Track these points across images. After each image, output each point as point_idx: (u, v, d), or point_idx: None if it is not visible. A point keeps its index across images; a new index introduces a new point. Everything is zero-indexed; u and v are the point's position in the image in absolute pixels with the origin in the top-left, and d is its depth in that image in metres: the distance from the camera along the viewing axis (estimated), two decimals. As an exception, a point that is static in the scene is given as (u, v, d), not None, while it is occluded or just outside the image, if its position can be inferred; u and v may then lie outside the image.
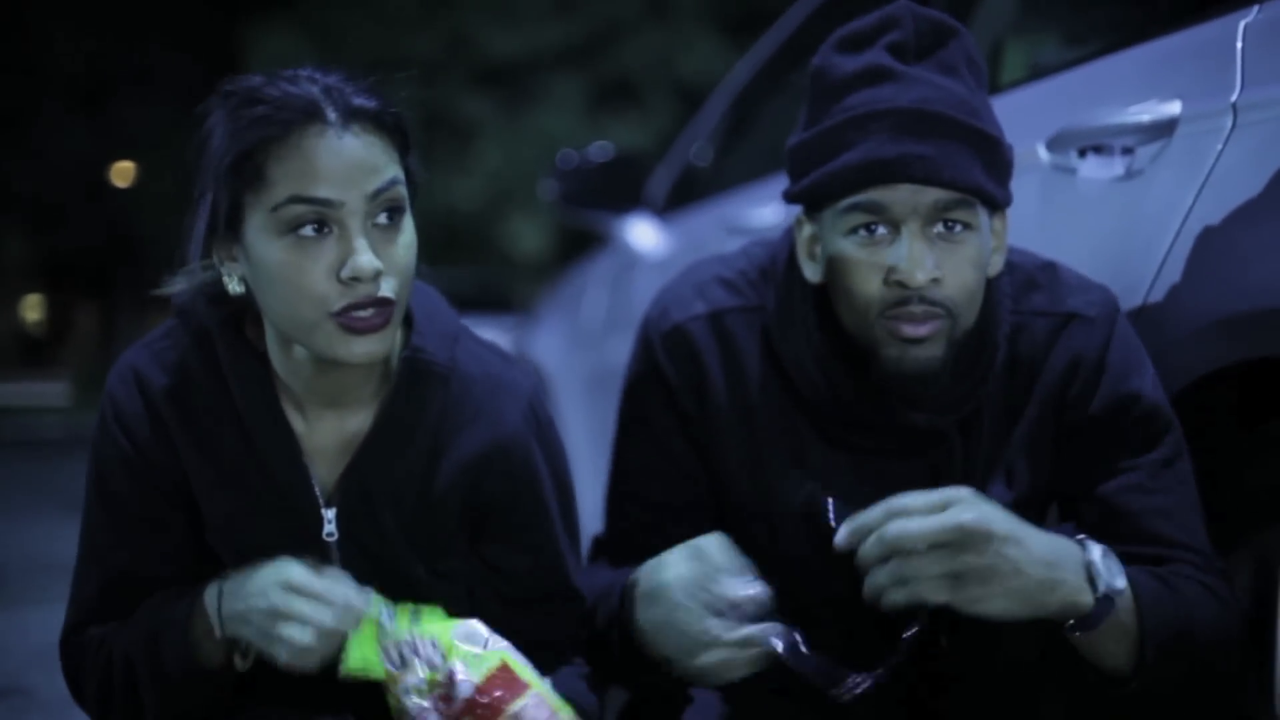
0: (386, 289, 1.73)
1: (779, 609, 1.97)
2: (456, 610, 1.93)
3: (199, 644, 1.78)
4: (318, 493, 1.88)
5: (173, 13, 25.25)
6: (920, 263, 1.80)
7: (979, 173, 1.81)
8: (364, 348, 1.74)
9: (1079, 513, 1.92)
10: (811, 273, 1.95)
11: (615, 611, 1.93)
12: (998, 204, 1.87)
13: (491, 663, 1.74)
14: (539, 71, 20.23)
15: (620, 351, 2.24)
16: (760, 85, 4.10)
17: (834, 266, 1.87)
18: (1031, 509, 1.92)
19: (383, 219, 1.74)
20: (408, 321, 1.92)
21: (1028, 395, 1.96)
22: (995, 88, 2.70)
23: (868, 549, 1.67)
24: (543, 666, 1.95)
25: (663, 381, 2.05)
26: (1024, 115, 2.34)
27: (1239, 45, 1.93)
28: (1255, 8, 1.94)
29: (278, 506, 1.87)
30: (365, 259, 1.70)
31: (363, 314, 1.72)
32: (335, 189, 1.69)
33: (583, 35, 20.19)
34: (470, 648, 1.75)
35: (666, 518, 2.06)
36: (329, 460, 1.89)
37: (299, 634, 1.69)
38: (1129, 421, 1.88)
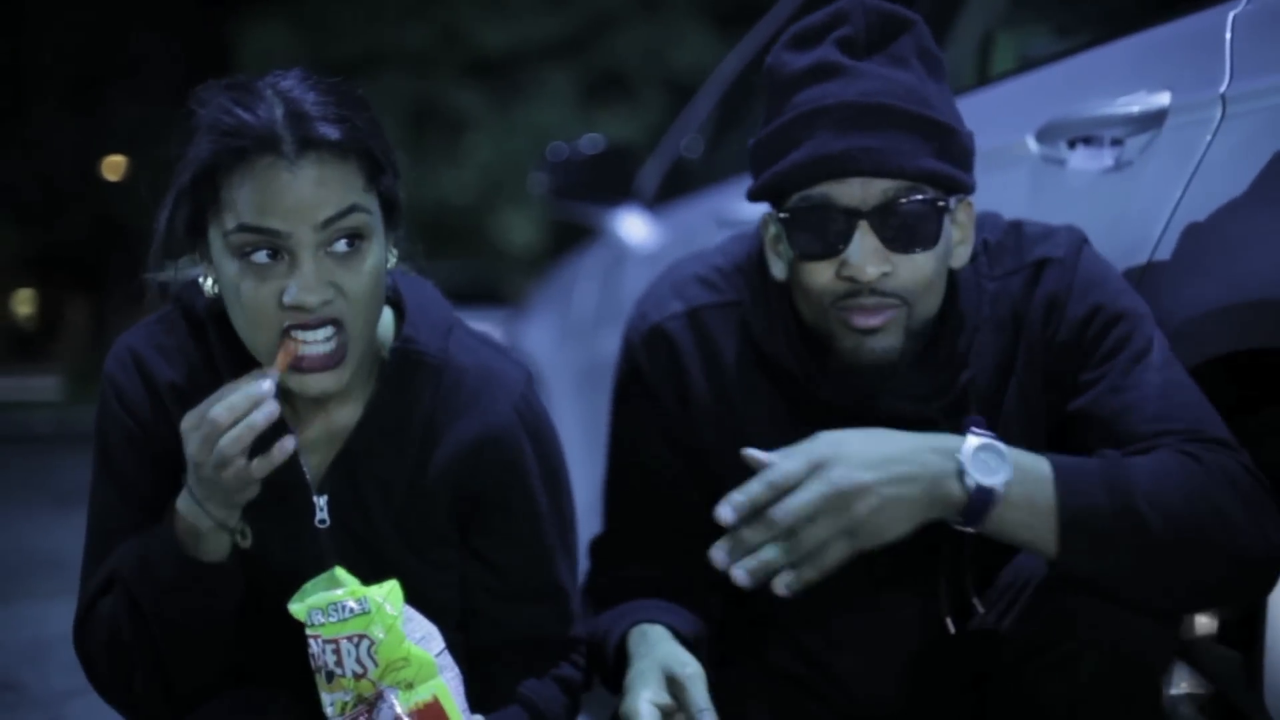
0: (334, 311, 1.74)
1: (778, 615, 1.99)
2: (448, 600, 1.94)
3: (185, 542, 1.78)
4: (309, 480, 1.90)
5: (164, 6, 25.19)
6: (870, 257, 1.81)
7: (929, 159, 1.81)
8: (318, 385, 1.77)
9: (1066, 442, 1.89)
10: (778, 270, 1.95)
11: (609, 663, 1.97)
12: (956, 188, 1.87)
13: (423, 696, 1.72)
14: (530, 64, 20.20)
15: (611, 344, 2.24)
16: (750, 78, 4.09)
17: (793, 261, 1.88)
18: None
19: (340, 246, 1.74)
20: (400, 312, 1.93)
21: (1015, 348, 1.95)
22: (985, 79, 2.70)
23: (753, 535, 1.71)
24: (526, 663, 1.97)
25: (643, 383, 2.07)
26: (1013, 106, 2.34)
27: (1228, 36, 1.93)
28: (1244, -1, 1.94)
29: (270, 493, 1.87)
30: (306, 288, 1.72)
31: (312, 352, 1.74)
32: (283, 220, 1.71)
33: (574, 28, 20.16)
34: (418, 655, 1.73)
35: (657, 519, 2.08)
36: (321, 449, 1.91)
37: (229, 446, 1.69)
38: (1094, 333, 1.88)
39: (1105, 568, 1.72)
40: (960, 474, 1.70)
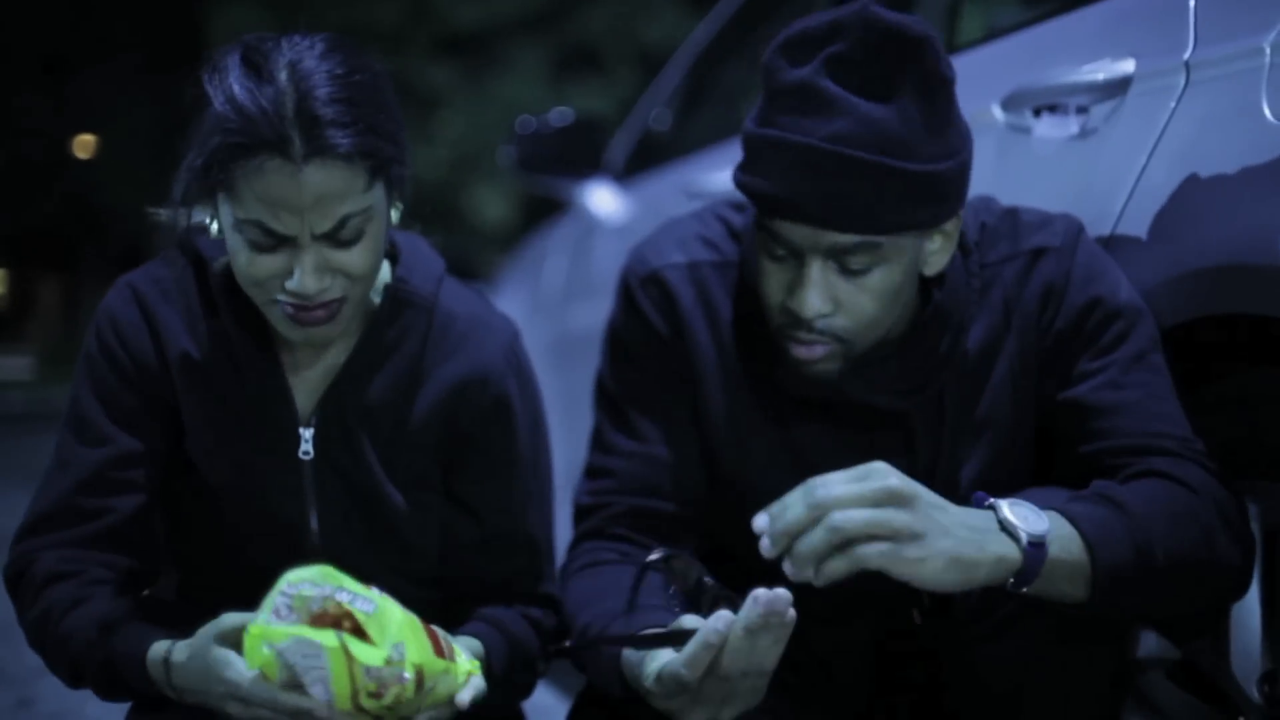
0: (334, 292, 1.78)
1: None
2: (427, 545, 1.99)
3: (158, 679, 1.76)
4: (297, 411, 1.93)
5: (133, -17, 25.06)
6: (810, 298, 1.82)
7: (887, 213, 1.78)
8: (315, 334, 1.82)
9: (1056, 425, 1.91)
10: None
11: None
12: (921, 230, 1.85)
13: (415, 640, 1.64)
14: (501, 39, 20.14)
15: (582, 317, 2.24)
16: (719, 49, 4.09)
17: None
18: (1010, 460, 1.94)
19: (344, 236, 1.77)
20: (393, 258, 1.98)
21: (1005, 333, 1.95)
22: (951, 48, 2.70)
23: (795, 514, 1.54)
24: (495, 611, 2.00)
25: (644, 323, 2.05)
26: (979, 75, 2.34)
27: (1191, 3, 1.94)
28: (1207, -35, 1.94)
29: (257, 423, 1.93)
30: (306, 280, 1.75)
31: (308, 314, 1.79)
32: (288, 224, 1.73)
33: (544, 2, 20.10)
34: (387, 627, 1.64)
35: (651, 468, 2.04)
36: (311, 383, 1.95)
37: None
38: (1094, 325, 1.88)
39: (1118, 606, 1.70)
40: (1008, 534, 1.61)
